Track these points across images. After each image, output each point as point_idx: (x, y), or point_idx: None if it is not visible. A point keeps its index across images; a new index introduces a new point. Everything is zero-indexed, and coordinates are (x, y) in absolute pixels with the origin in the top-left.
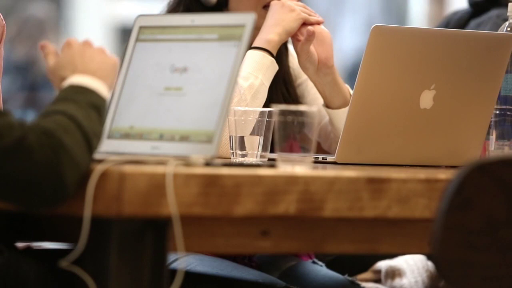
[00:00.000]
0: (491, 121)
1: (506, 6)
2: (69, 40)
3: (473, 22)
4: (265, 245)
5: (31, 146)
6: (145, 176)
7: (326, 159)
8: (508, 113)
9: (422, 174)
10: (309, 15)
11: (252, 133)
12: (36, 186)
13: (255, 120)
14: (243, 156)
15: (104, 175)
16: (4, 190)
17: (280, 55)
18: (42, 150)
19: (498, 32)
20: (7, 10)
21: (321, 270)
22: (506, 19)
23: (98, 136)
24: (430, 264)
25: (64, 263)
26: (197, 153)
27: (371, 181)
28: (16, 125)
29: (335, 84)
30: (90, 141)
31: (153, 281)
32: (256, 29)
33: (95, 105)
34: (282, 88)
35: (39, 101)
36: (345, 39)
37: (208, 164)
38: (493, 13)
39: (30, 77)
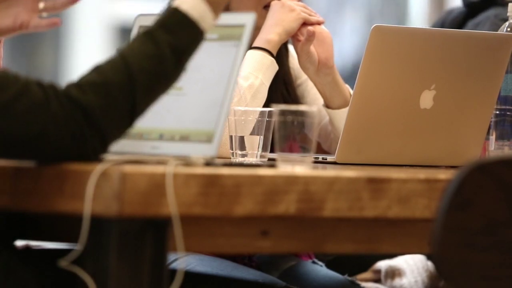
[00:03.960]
0: (491, 121)
1: (503, 5)
2: None
3: (471, 23)
4: (265, 245)
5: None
6: (145, 176)
7: (326, 159)
8: (508, 113)
9: (422, 174)
10: (310, 15)
11: (252, 133)
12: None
13: (255, 120)
14: (243, 156)
15: (104, 175)
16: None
17: (280, 56)
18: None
19: (498, 32)
20: None
21: (321, 270)
22: (504, 19)
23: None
24: (430, 264)
25: (64, 263)
26: (197, 153)
27: (371, 181)
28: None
29: (335, 84)
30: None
31: (153, 281)
32: (256, 29)
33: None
34: (282, 89)
35: None
36: (345, 39)
37: (208, 164)
38: (491, 12)
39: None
